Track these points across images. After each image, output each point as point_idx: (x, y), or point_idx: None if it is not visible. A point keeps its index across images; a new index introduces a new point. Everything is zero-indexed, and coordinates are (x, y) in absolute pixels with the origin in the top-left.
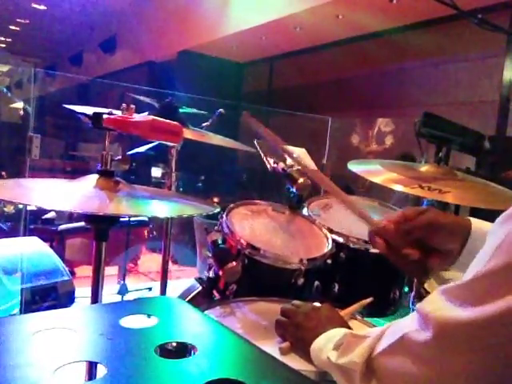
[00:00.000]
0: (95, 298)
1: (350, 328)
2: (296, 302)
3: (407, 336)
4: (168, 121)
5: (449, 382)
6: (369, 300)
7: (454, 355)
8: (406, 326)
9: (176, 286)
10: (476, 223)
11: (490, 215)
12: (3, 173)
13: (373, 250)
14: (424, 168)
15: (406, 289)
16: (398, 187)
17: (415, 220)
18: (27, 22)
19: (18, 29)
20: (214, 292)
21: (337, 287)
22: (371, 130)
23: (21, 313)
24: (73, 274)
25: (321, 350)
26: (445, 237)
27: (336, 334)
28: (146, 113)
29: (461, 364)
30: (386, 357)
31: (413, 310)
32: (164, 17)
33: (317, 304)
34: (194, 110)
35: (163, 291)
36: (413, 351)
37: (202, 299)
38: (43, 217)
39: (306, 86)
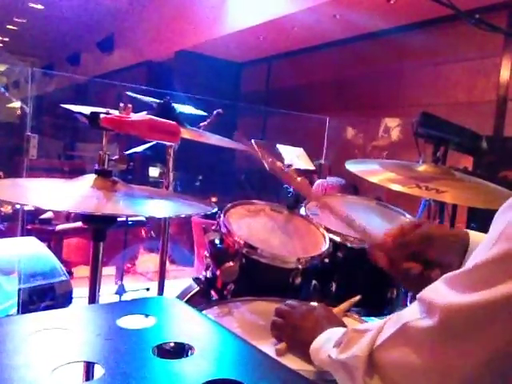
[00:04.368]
0: (93, 298)
1: (346, 327)
2: (290, 302)
3: (408, 325)
4: (165, 120)
5: (452, 369)
6: (357, 298)
7: (459, 340)
8: (407, 315)
9: (174, 286)
10: (474, 235)
11: (487, 215)
12: (0, 173)
13: None
14: (422, 168)
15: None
16: (396, 187)
17: (411, 233)
18: (24, 21)
19: (15, 28)
20: (212, 292)
21: (334, 286)
22: (369, 130)
23: (18, 313)
24: (70, 274)
25: (321, 349)
26: (442, 249)
27: (336, 332)
28: (144, 112)
29: (465, 349)
30: (386, 348)
31: None
32: (162, 16)
33: (312, 304)
34: (192, 110)
35: (161, 291)
36: (415, 340)
37: (199, 299)
38: (40, 217)
39: (303, 86)
